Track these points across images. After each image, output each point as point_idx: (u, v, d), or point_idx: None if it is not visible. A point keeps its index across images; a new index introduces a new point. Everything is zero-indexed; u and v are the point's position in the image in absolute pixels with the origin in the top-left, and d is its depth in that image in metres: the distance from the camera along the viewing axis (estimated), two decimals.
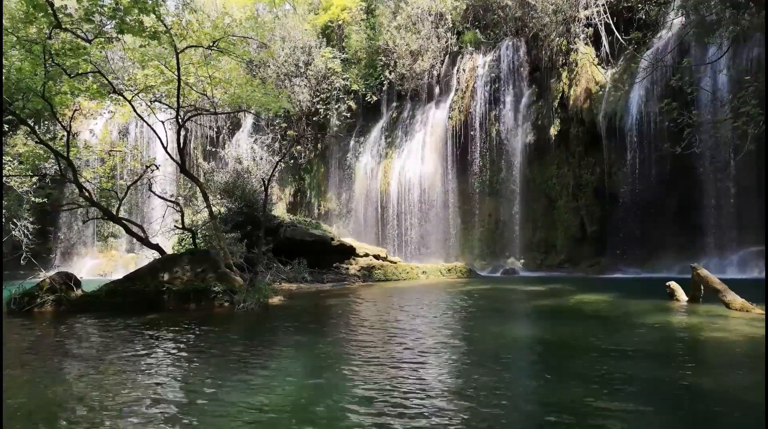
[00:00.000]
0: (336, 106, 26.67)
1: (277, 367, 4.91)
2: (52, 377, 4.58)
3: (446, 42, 24.79)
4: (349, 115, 26.86)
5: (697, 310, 7.97)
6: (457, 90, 23.96)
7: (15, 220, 19.39)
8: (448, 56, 25.01)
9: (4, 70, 9.28)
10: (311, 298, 11.45)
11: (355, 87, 26.39)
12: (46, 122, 19.00)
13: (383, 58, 25.72)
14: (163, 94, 12.96)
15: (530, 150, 21.51)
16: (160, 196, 13.31)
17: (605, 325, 7.10)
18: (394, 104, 26.92)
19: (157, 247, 11.72)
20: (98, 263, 25.87)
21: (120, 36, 10.12)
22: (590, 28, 20.36)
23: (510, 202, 21.96)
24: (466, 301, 10.42)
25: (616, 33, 19.46)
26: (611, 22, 19.62)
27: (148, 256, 12.81)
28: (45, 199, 18.78)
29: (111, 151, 22.53)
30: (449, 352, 5.51)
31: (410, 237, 23.95)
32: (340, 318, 8.56)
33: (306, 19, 28.55)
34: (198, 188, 13.00)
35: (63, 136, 12.47)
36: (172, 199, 14.95)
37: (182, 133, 12.06)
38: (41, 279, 10.17)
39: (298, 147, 27.53)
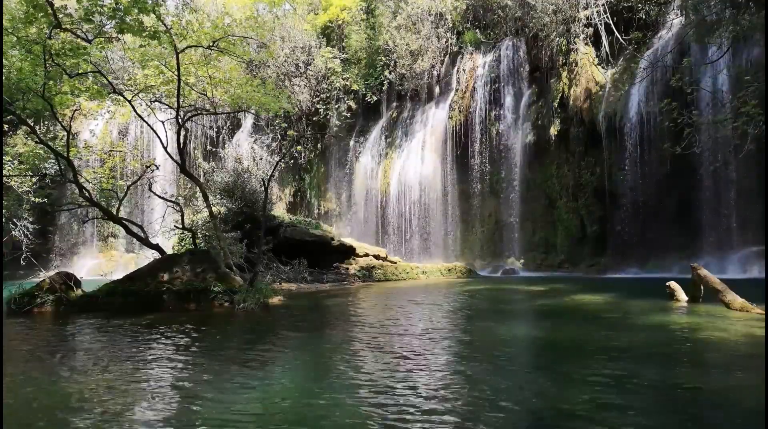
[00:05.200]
0: (336, 106, 26.67)
1: (276, 367, 4.90)
2: (52, 378, 4.58)
3: (446, 42, 24.79)
4: (349, 115, 26.86)
5: (697, 310, 7.96)
6: (457, 90, 23.97)
7: (15, 220, 19.39)
8: (448, 56, 25.01)
9: (4, 70, 9.28)
10: (311, 298, 11.45)
11: (355, 87, 26.39)
12: (46, 122, 19.01)
13: (383, 58, 25.73)
14: (163, 94, 12.97)
15: (530, 150, 21.51)
16: (160, 196, 13.31)
17: (605, 325, 7.10)
18: (394, 104, 26.93)
19: (157, 247, 11.72)
20: (98, 263, 25.86)
21: (120, 36, 10.12)
22: (590, 28, 20.36)
23: (510, 202, 21.96)
24: (466, 302, 10.42)
25: (616, 33, 19.46)
26: (611, 22, 19.63)
27: (148, 256, 12.81)
28: (45, 199, 18.78)
29: (111, 151, 22.54)
30: (450, 353, 5.51)
31: (410, 237, 23.95)
32: (340, 318, 8.55)
33: (306, 19, 28.56)
34: (198, 188, 13.00)
35: (63, 136, 12.47)
36: (172, 199, 14.95)
37: (182, 133, 12.05)
38: (41, 279, 10.17)
39: (299, 147, 27.53)
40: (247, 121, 29.00)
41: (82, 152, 18.57)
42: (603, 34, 20.00)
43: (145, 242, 11.76)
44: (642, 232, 17.73)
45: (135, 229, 12.45)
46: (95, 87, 11.22)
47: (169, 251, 12.56)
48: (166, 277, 9.85)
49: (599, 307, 8.94)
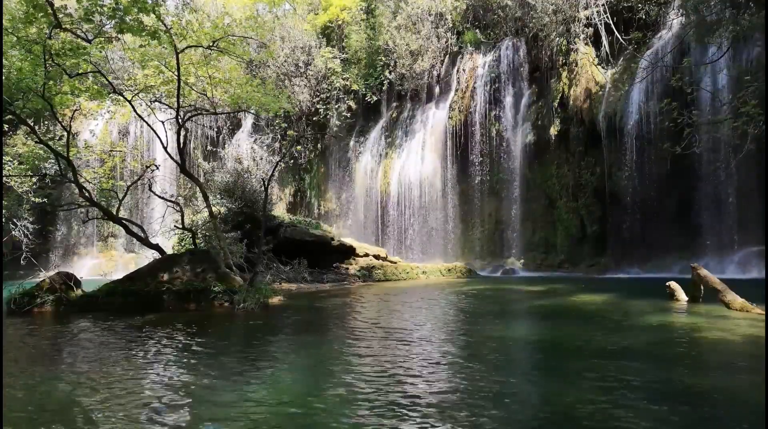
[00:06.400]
0: (336, 106, 26.67)
1: (276, 368, 4.91)
2: (52, 378, 4.58)
3: (446, 42, 24.79)
4: (349, 115, 26.86)
5: (697, 310, 7.96)
6: (457, 90, 23.96)
7: (15, 220, 19.39)
8: (448, 56, 25.01)
9: (4, 70, 9.28)
10: (311, 298, 11.45)
11: (355, 87, 26.38)
12: (46, 122, 19.02)
13: (383, 58, 25.72)
14: (163, 94, 12.96)
15: (530, 150, 21.51)
16: (160, 196, 13.31)
17: (605, 325, 7.10)
18: (394, 104, 26.92)
19: (157, 247, 11.72)
20: (98, 263, 25.85)
21: (120, 36, 10.12)
22: (590, 28, 20.36)
23: (510, 202, 21.96)
24: (465, 302, 10.42)
25: (616, 33, 19.46)
26: (611, 22, 19.62)
27: (148, 256, 12.80)
28: (45, 199, 18.78)
29: (111, 151, 22.54)
30: (449, 354, 5.51)
31: (410, 237, 23.95)
32: (340, 318, 8.56)
33: (306, 19, 28.56)
34: (198, 188, 13.00)
35: (63, 136, 12.47)
36: (172, 199, 14.94)
37: (182, 133, 12.05)
38: (41, 279, 10.16)
39: (298, 147, 27.53)
40: (247, 121, 29.00)
41: (82, 152, 18.56)
42: (603, 34, 19.99)
43: (145, 242, 11.75)
44: (642, 232, 17.72)
45: (135, 229, 12.45)
46: (95, 87, 11.21)
47: (169, 251, 12.56)
48: (166, 277, 9.85)
49: (599, 308, 8.94)
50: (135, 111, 12.00)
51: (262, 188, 12.82)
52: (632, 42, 19.12)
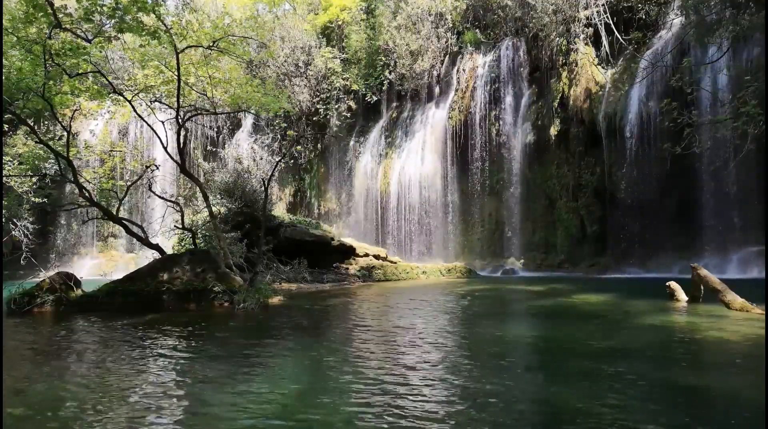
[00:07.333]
0: (336, 106, 26.67)
1: (275, 368, 4.90)
2: (52, 378, 4.58)
3: (446, 42, 24.79)
4: (349, 115, 26.86)
5: (697, 310, 7.96)
6: (457, 90, 23.97)
7: (15, 220, 19.38)
8: (448, 56, 25.01)
9: (4, 70, 9.28)
10: (311, 298, 11.44)
11: (355, 87, 26.39)
12: (46, 122, 19.03)
13: (383, 58, 25.73)
14: (163, 94, 12.96)
15: (530, 150, 21.51)
16: (160, 196, 13.30)
17: (605, 325, 7.10)
18: (394, 104, 26.92)
19: (157, 247, 11.72)
20: (98, 263, 25.86)
21: (120, 35, 10.12)
22: (590, 28, 20.36)
23: (510, 202, 21.96)
24: (465, 302, 10.42)
25: (616, 33, 19.46)
26: (611, 22, 19.62)
27: (148, 256, 12.80)
28: (45, 199, 18.77)
29: (111, 151, 22.54)
30: (449, 354, 5.51)
31: (410, 237, 23.95)
32: (339, 318, 8.55)
33: (306, 19, 28.56)
34: (198, 188, 13.00)
35: (63, 136, 12.47)
36: (172, 199, 14.94)
37: (182, 133, 12.05)
38: (41, 279, 10.16)
39: (298, 147, 27.52)
40: (247, 121, 29.00)
41: (82, 152, 18.57)
42: (603, 34, 19.99)
43: (145, 242, 11.75)
44: (642, 232, 17.72)
45: (135, 229, 12.45)
46: (95, 87, 11.21)
47: (169, 251, 12.56)
48: (166, 277, 9.85)
49: (599, 308, 8.94)
50: (135, 111, 11.99)
51: (262, 188, 12.81)
52: (632, 42, 19.13)
